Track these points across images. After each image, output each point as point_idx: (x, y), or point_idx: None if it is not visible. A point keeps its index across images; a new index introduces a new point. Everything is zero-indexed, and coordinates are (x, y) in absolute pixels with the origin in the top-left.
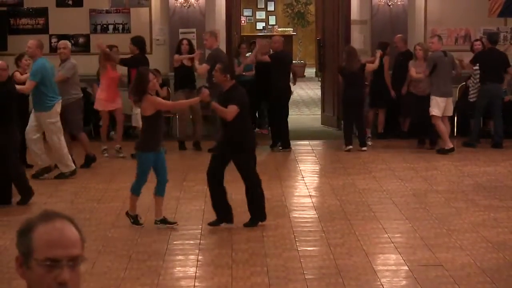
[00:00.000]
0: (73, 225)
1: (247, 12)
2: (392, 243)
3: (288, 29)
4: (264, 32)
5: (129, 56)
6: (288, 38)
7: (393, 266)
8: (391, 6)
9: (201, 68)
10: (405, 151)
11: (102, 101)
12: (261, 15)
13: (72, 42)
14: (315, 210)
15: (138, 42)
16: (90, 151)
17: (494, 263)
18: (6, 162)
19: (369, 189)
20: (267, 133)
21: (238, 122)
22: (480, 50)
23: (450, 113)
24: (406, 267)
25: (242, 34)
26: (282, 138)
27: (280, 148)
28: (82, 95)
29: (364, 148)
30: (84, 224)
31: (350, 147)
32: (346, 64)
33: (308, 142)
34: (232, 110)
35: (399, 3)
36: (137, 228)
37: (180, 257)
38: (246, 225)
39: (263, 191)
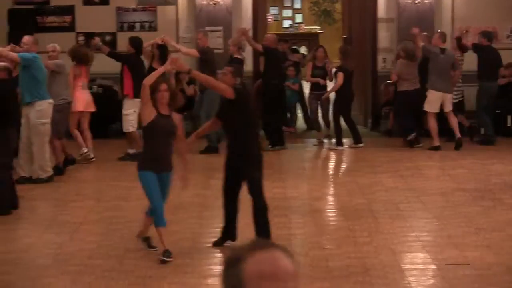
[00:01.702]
0: (287, 256)
1: (273, 10)
2: (420, 241)
3: (315, 27)
4: (291, 30)
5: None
6: (314, 36)
7: (421, 265)
8: (418, 4)
9: (190, 50)
10: (431, 150)
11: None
12: (287, 13)
13: (99, 40)
14: (342, 208)
15: (135, 42)
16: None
17: None
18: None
19: (396, 187)
20: (294, 131)
21: (251, 130)
22: (482, 44)
23: (449, 108)
24: (433, 266)
25: (268, 32)
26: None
27: (270, 146)
28: (70, 100)
29: (361, 145)
30: (111, 222)
31: (362, 144)
32: (342, 63)
33: (334, 141)
34: (228, 90)
35: (426, 1)
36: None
37: (207, 255)
38: None
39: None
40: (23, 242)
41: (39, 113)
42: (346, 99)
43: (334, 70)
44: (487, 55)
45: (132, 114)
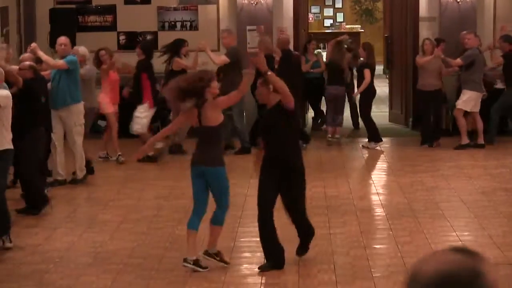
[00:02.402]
0: None
1: (314, 9)
2: (460, 241)
3: (356, 26)
4: (332, 29)
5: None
6: (355, 35)
7: None
8: (459, 3)
9: (220, 58)
10: (473, 149)
11: (109, 103)
12: (328, 12)
13: (140, 39)
14: (383, 208)
15: (146, 48)
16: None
17: None
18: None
19: (437, 187)
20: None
21: (293, 133)
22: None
23: (477, 108)
24: None
25: (309, 31)
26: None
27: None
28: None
29: (379, 144)
30: (152, 221)
31: (381, 143)
32: (367, 60)
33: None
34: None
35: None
36: (204, 226)
37: (246, 254)
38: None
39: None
40: (65, 241)
41: (80, 115)
42: (371, 96)
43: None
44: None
45: (145, 117)
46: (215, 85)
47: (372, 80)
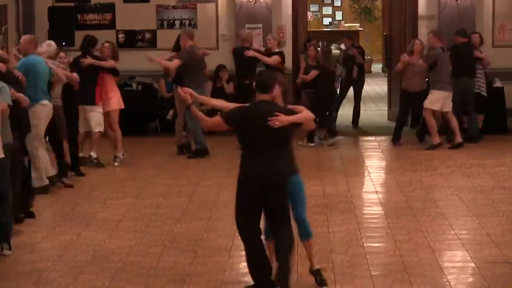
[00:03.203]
0: None
1: (313, 8)
2: (459, 239)
3: (355, 24)
4: (331, 28)
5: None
6: (354, 34)
7: (460, 263)
8: (458, 1)
9: (173, 63)
10: (471, 147)
11: (118, 99)
12: (327, 10)
13: (139, 37)
14: (381, 206)
15: (81, 44)
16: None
17: None
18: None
19: (435, 185)
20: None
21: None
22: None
23: (449, 108)
24: (473, 264)
25: (308, 29)
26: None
27: None
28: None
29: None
30: (150, 219)
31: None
32: (324, 63)
33: (374, 138)
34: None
35: None
36: (203, 224)
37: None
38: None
39: None
40: (63, 239)
41: (34, 116)
42: (328, 97)
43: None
44: (463, 51)
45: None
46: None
47: (331, 86)
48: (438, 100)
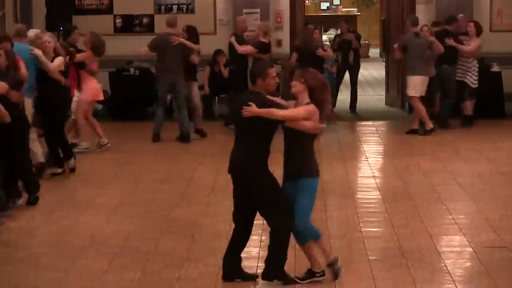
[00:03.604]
0: None
1: None
2: (457, 224)
3: (353, 9)
4: (329, 12)
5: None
6: (352, 18)
7: (457, 248)
8: None
9: (143, 51)
10: (469, 133)
11: (90, 90)
12: None
13: (137, 22)
14: (379, 191)
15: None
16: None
17: None
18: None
19: (433, 170)
20: (331, 114)
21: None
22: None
23: (422, 93)
24: (470, 249)
25: (306, 14)
26: None
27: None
28: None
29: None
30: (148, 204)
31: None
32: (301, 44)
33: (372, 123)
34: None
35: None
36: (201, 209)
37: None
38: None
39: None
40: (61, 224)
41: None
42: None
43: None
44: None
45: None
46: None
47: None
48: (418, 85)
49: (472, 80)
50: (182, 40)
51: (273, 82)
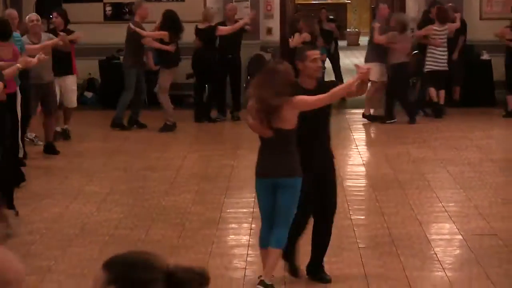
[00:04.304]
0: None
1: None
2: (446, 212)
3: None
4: (318, 0)
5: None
6: (342, 6)
7: (447, 235)
8: None
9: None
10: (459, 120)
11: None
12: None
13: (126, 10)
14: (369, 179)
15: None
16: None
17: None
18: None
19: (423, 158)
20: None
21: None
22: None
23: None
24: (460, 236)
25: (296, 2)
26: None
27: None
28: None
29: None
30: (138, 192)
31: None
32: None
33: (361, 111)
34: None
35: None
36: (191, 197)
37: (233, 226)
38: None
39: None
40: (52, 212)
41: None
42: None
43: None
44: None
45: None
46: None
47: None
48: (377, 72)
49: (441, 66)
50: (134, 28)
51: (313, 65)
